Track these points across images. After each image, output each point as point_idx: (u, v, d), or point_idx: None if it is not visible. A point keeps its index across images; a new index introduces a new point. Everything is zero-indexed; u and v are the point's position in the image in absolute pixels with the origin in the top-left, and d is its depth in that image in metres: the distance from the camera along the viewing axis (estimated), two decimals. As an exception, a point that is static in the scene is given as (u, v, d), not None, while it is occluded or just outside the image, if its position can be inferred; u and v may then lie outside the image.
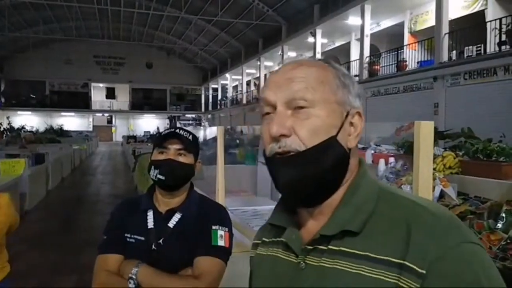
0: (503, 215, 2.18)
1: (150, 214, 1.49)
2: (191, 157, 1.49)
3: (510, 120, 10.27)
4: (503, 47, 11.47)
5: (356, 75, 16.66)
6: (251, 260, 0.85)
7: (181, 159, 1.47)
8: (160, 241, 1.44)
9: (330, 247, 0.65)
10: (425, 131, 1.24)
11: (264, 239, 0.82)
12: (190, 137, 1.50)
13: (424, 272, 0.55)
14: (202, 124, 41.41)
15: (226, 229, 1.48)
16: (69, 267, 4.80)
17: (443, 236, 0.57)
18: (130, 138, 24.85)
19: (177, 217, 1.48)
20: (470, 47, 12.50)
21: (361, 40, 16.95)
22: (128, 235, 1.47)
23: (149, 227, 1.47)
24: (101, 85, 43.67)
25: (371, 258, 0.60)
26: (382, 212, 0.64)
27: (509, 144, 3.09)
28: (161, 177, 1.45)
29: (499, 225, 2.16)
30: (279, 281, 0.71)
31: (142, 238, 1.45)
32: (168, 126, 38.00)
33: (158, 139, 1.50)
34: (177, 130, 1.49)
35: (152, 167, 1.47)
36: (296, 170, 0.65)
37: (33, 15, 29.41)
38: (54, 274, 4.57)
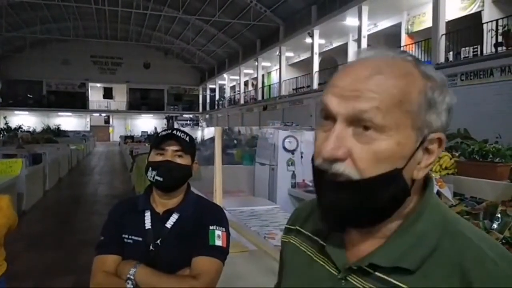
0: (499, 215, 2.19)
1: (147, 215, 1.50)
2: (188, 158, 1.50)
3: (506, 121, 10.31)
4: (499, 48, 11.51)
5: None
6: (283, 244, 0.78)
7: (179, 160, 1.48)
8: (158, 241, 1.45)
9: (377, 274, 0.57)
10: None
11: (298, 227, 0.74)
12: (187, 139, 1.51)
13: None
14: (200, 124, 41.35)
15: (223, 229, 1.49)
16: (66, 267, 4.79)
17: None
18: (128, 138, 24.77)
19: (174, 217, 1.49)
20: (467, 48, 12.53)
21: (358, 41, 16.96)
22: (126, 236, 1.47)
23: (146, 227, 1.47)
24: (98, 85, 43.54)
25: None
26: (444, 249, 0.55)
27: (505, 145, 3.11)
28: (158, 178, 1.46)
29: (495, 226, 2.18)
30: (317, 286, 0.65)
31: (140, 239, 1.46)
32: (166, 126, 37.96)
33: (156, 140, 1.51)
34: (175, 132, 1.50)
35: (150, 168, 1.48)
36: (343, 198, 0.56)
37: (30, 15, 29.29)
38: (51, 275, 4.56)
